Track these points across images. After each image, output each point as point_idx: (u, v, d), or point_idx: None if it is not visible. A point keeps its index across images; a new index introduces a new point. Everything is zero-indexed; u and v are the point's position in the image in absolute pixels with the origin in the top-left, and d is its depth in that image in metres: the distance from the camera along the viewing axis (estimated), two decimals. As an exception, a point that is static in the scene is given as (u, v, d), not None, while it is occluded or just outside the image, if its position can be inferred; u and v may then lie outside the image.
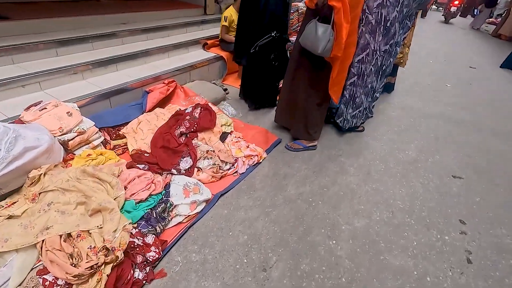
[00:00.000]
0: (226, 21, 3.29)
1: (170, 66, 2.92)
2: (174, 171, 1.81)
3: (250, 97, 2.93)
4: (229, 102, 3.04)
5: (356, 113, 2.54)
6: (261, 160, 2.17)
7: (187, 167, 1.87)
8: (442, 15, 12.10)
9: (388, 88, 3.68)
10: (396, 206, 1.90)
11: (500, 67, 4.86)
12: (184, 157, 1.93)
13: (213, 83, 3.29)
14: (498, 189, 2.19)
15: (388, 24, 2.12)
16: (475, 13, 10.96)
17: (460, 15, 12.70)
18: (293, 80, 2.28)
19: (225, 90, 3.21)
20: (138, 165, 1.80)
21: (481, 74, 5.08)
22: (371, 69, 2.31)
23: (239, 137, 2.29)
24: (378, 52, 2.23)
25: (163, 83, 2.69)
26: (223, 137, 2.21)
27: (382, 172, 2.22)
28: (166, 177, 1.76)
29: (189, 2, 4.30)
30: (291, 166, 2.18)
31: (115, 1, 3.70)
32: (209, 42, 3.51)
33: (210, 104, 2.60)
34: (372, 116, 3.01)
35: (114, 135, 2.17)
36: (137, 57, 2.82)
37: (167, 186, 1.70)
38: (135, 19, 3.31)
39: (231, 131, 2.30)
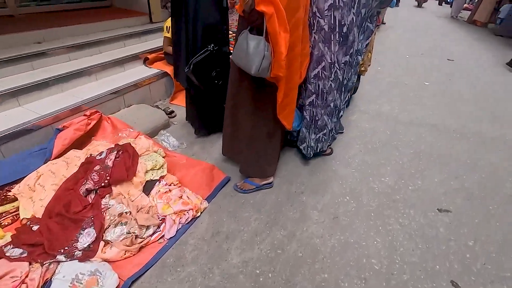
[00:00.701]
0: (168, 32, 2.77)
1: (96, 92, 2.39)
2: (61, 257, 1.30)
3: (196, 120, 2.44)
4: (174, 129, 2.54)
5: (320, 137, 2.08)
6: (198, 214, 1.68)
7: (87, 244, 1.37)
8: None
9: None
10: (370, 268, 1.45)
11: (507, 64, 4.61)
12: (86, 228, 1.42)
13: (156, 106, 2.78)
14: (493, 221, 1.78)
15: (344, 30, 1.66)
16: (449, 0, 10.63)
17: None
18: (234, 106, 1.80)
19: (170, 113, 2.70)
20: (12, 254, 1.29)
21: (460, 66, 4.74)
22: (330, 85, 1.85)
23: (172, 183, 1.79)
24: (336, 64, 1.77)
25: (84, 115, 2.16)
26: (149, 187, 1.72)
27: (353, 213, 1.78)
28: (47, 269, 1.25)
29: (131, 9, 3.74)
30: (238, 218, 1.70)
31: (33, 15, 3.11)
32: (150, 56, 2.99)
33: (143, 138, 2.09)
34: (342, 132, 2.57)
35: (2, 197, 1.64)
36: (50, 85, 2.27)
37: (46, 286, 1.19)
38: (56, 36, 2.75)
39: (161, 177, 1.80)
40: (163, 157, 2.03)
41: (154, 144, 2.14)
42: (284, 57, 1.41)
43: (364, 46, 1.86)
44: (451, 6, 10.29)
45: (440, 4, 13.73)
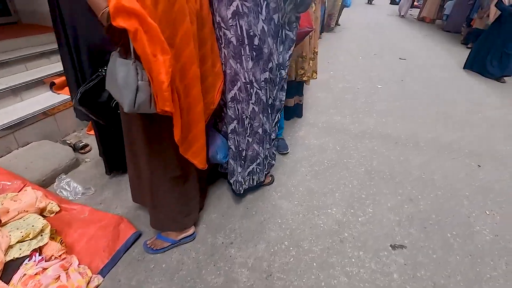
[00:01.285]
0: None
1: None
2: None
3: (108, 156, 1.99)
4: (84, 169, 2.07)
5: (253, 169, 1.72)
6: (84, 299, 1.25)
7: None
8: None
9: (295, 111, 2.84)
10: None
11: (464, 68, 4.58)
12: None
13: (64, 141, 2.29)
14: (453, 255, 1.52)
15: (256, 42, 1.32)
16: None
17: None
18: (131, 144, 1.40)
19: (82, 148, 2.22)
20: None
21: (412, 65, 4.67)
22: (253, 109, 1.50)
23: (52, 256, 1.34)
24: (255, 84, 1.43)
25: None
26: (11, 270, 1.25)
27: (291, 266, 1.43)
28: None
29: (41, 24, 3.19)
30: (141, 295, 1.29)
31: None
32: (58, 80, 2.48)
33: (29, 190, 1.61)
34: (287, 152, 2.25)
35: None
36: None
37: None
38: None
39: (36, 249, 1.34)
40: (55, 212, 1.58)
41: (47, 195, 1.68)
42: (167, 87, 1.03)
43: (287, 58, 1.54)
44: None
45: (391, 3, 14.27)
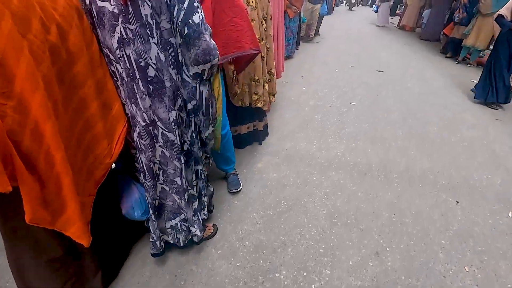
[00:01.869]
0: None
1: None
2: None
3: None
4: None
5: (176, 224, 1.38)
6: None
7: None
8: (346, 4, 15.91)
9: (251, 138, 2.49)
10: None
11: (475, 98, 3.68)
12: None
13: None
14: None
15: (152, 73, 1.00)
16: (374, 9, 10.64)
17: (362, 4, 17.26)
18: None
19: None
20: None
21: (389, 78, 4.44)
22: (162, 152, 1.17)
23: None
24: (159, 123, 1.10)
25: None
26: None
27: None
28: None
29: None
30: None
31: None
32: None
33: None
34: (238, 190, 1.92)
35: None
36: None
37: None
38: None
39: None
40: None
41: None
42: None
43: (203, 91, 1.22)
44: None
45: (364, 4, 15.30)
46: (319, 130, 2.82)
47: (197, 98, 1.16)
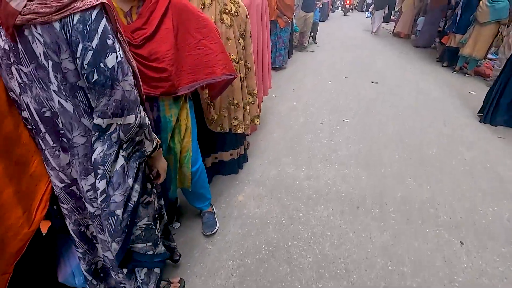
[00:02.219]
0: None
1: None
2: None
3: None
4: None
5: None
6: None
7: None
8: (341, 10, 16.75)
9: (232, 167, 2.24)
10: None
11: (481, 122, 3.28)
12: None
13: None
14: None
15: (59, 126, 0.76)
16: (367, 15, 10.31)
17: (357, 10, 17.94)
18: None
19: None
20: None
21: (385, 90, 4.23)
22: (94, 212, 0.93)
23: None
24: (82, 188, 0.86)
25: None
26: None
27: None
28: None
29: None
30: None
31: None
32: None
33: None
34: (213, 233, 1.68)
35: None
36: None
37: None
38: None
39: None
40: None
41: None
42: None
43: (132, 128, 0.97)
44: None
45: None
46: (309, 153, 2.59)
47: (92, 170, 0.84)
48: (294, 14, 7.39)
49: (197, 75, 1.37)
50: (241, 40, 1.80)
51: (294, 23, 6.44)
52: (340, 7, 19.31)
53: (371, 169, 2.38)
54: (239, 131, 1.95)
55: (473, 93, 4.28)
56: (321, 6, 6.76)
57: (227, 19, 1.67)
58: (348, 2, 17.25)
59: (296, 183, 2.20)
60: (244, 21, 1.79)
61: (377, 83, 4.55)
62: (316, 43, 7.49)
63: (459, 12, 5.09)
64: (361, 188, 2.15)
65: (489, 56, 5.45)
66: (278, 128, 3.01)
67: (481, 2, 4.55)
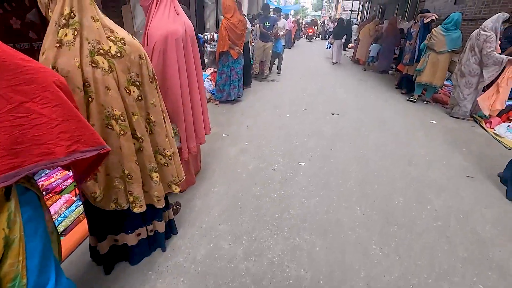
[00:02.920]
0: None
1: None
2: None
3: None
4: None
5: None
6: None
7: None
8: (305, 37, 18.72)
9: (157, 242, 1.72)
10: None
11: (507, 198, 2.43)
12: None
13: None
14: None
15: None
16: (327, 46, 9.82)
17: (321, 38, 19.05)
18: None
19: None
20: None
21: (345, 123, 3.91)
22: None
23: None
24: None
25: None
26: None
27: None
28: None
29: None
30: None
31: None
32: None
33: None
34: None
35: None
36: None
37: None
38: None
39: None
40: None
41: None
42: None
43: None
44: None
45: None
46: (253, 216, 2.06)
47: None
48: (252, 44, 7.25)
49: (22, 158, 0.83)
50: (133, 88, 1.29)
51: (251, 53, 6.19)
52: (304, 35, 20.25)
53: (328, 235, 1.89)
54: (136, 210, 1.39)
55: (434, 122, 4.09)
56: (279, 35, 6.62)
57: (103, 62, 1.16)
58: (310, 30, 18.73)
59: (231, 267, 1.63)
60: (137, 63, 1.28)
61: (337, 114, 4.25)
62: (280, 73, 7.29)
63: (417, 46, 5.07)
64: (315, 269, 1.63)
65: (445, 82, 5.46)
66: (221, 180, 2.48)
67: (433, 30, 4.53)
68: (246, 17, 4.87)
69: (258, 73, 6.77)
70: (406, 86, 5.57)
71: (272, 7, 9.93)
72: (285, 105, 4.64)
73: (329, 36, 10.08)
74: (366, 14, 17.58)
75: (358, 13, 19.60)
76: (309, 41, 17.63)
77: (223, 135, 3.40)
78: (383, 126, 3.85)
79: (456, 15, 4.40)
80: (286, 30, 6.61)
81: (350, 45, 12.71)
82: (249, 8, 12.83)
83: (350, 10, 21.17)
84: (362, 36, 8.74)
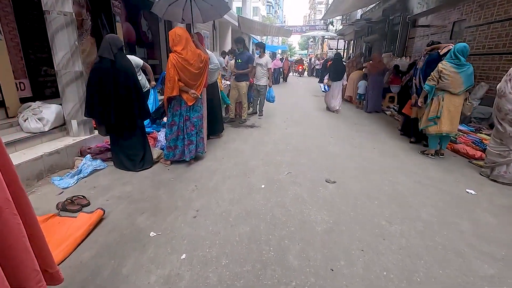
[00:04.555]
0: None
1: None
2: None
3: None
4: None
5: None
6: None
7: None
8: (296, 73, 19.47)
9: None
10: None
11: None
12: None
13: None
14: None
15: None
16: (323, 89, 6.97)
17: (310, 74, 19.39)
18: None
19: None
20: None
21: (346, 203, 2.56)
22: None
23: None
24: None
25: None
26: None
27: None
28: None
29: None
30: None
31: None
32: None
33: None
34: None
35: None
36: None
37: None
38: None
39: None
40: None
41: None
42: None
43: None
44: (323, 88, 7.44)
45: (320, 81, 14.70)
46: None
47: None
48: (228, 83, 6.14)
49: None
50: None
51: (223, 94, 5.02)
52: (293, 72, 20.15)
53: None
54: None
55: (473, 193, 2.78)
56: (252, 76, 5.55)
57: None
58: (300, 67, 19.66)
59: None
60: None
61: (334, 182, 2.91)
62: (261, 115, 6.11)
63: (421, 82, 3.96)
64: None
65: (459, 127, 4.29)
66: None
67: (442, 68, 3.40)
68: (209, 51, 3.70)
69: (235, 116, 5.57)
70: (415, 133, 4.37)
71: (254, 42, 9.19)
72: (261, 166, 3.30)
73: (321, 75, 8.19)
74: (352, 52, 17.37)
75: (344, 51, 19.48)
76: (300, 76, 18.98)
77: (151, 234, 1.99)
78: (396, 200, 2.51)
79: (464, 46, 3.34)
80: (268, 68, 5.55)
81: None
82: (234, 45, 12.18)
83: (335, 49, 21.18)
84: (349, 72, 7.87)
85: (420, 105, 3.86)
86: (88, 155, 3.19)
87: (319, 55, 22.83)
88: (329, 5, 22.88)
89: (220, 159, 3.49)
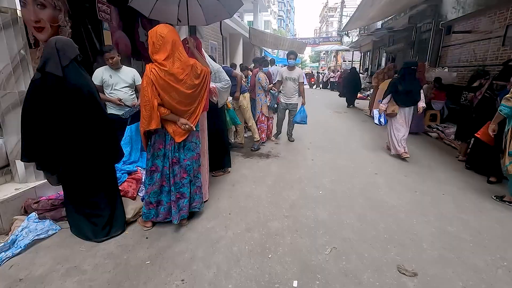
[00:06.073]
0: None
1: None
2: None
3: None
4: None
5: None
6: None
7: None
8: (308, 85, 18.26)
9: None
10: None
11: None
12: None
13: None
14: None
15: None
16: (377, 121, 5.48)
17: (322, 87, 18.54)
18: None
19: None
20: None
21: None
22: None
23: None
24: None
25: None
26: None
27: None
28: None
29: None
30: None
31: None
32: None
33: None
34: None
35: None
36: None
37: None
38: None
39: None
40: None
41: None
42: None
43: None
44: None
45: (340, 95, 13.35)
46: None
47: None
48: (217, 101, 5.02)
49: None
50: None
51: (232, 113, 3.92)
52: (306, 84, 19.58)
53: None
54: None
55: None
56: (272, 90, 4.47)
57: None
58: (312, 79, 19.66)
59: None
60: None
61: (414, 275, 1.70)
62: (275, 139, 4.97)
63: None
64: None
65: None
66: None
67: None
68: (210, 62, 2.63)
69: (240, 142, 4.43)
70: (494, 168, 3.09)
71: (268, 58, 8.19)
72: (287, 232, 2.12)
73: (343, 90, 6.26)
74: (370, 64, 16.18)
75: (360, 64, 18.32)
76: (310, 88, 18.54)
77: None
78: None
79: None
80: (300, 83, 4.46)
81: (360, 95, 10.79)
82: (245, 59, 11.25)
83: (350, 61, 20.07)
84: (378, 84, 6.66)
85: (491, 132, 2.69)
86: (33, 213, 2.14)
87: (332, 67, 21.78)
88: (342, 16, 21.95)
89: (226, 215, 2.35)
